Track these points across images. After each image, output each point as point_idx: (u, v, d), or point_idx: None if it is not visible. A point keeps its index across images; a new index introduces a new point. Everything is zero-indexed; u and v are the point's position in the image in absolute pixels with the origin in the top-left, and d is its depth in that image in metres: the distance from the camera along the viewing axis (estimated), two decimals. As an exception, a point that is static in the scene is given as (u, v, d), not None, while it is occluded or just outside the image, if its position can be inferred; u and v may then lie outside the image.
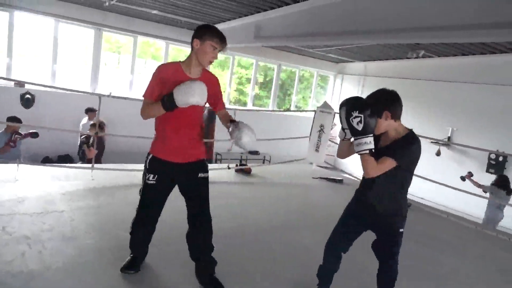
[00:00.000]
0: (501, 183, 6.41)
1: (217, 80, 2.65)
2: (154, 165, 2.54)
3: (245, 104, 12.07)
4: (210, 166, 3.18)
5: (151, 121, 2.62)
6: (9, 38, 8.11)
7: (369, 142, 2.15)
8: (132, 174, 5.13)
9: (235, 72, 11.74)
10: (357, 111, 2.14)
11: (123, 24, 8.93)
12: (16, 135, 5.07)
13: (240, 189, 5.36)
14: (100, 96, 4.86)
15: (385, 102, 2.29)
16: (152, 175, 2.53)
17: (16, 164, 4.49)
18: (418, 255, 3.80)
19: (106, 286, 2.58)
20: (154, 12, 8.08)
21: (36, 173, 4.69)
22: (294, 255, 3.45)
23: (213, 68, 11.06)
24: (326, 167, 7.79)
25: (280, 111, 12.50)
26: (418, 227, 4.69)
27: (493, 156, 8.88)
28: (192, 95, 2.24)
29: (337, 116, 6.91)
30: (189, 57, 2.51)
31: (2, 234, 3.02)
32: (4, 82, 7.89)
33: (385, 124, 2.29)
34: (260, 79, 12.56)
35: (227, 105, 11.64)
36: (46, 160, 8.00)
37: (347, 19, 6.20)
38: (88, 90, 8.92)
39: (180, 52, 10.81)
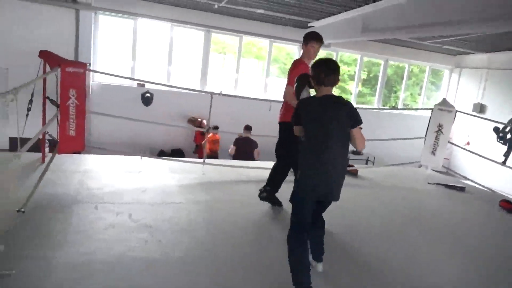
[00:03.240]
0: None
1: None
2: None
3: (347, 102, 11.59)
4: None
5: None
6: (133, 43, 9.03)
7: None
8: (240, 170, 5.23)
9: (338, 69, 11.34)
10: None
11: (230, 24, 9.27)
12: None
13: (347, 191, 5.07)
14: (211, 94, 5.05)
15: None
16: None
17: (139, 157, 4.92)
18: None
19: (222, 281, 2.61)
20: (260, 11, 8.19)
21: (155, 166, 5.08)
22: (408, 267, 3.10)
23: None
24: (443, 172, 7.01)
25: (387, 109, 11.73)
26: None
27: None
28: None
29: (458, 114, 6.18)
30: (303, 55, 3.86)
31: (129, 221, 3.29)
32: (129, 82, 8.81)
33: None
34: (364, 75, 11.94)
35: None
36: (161, 153, 8.72)
37: (471, 4, 5.45)
38: (198, 89, 9.48)
39: (281, 50, 10.84)
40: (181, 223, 3.39)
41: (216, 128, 8.03)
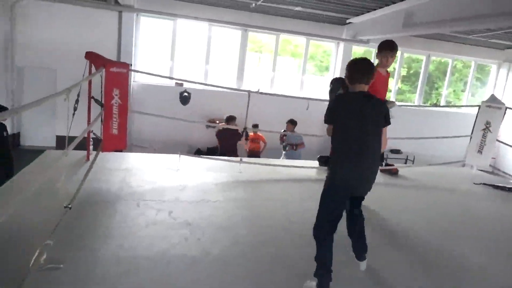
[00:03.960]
0: None
1: (389, 74, 3.90)
2: None
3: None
4: None
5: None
6: (172, 43, 9.24)
7: None
8: (278, 169, 5.22)
9: (377, 66, 11.03)
10: None
11: (267, 23, 9.27)
12: None
13: (387, 191, 4.94)
14: (249, 92, 5.06)
15: None
16: None
17: (178, 155, 5.02)
18: None
19: (262, 281, 2.60)
20: (297, 8, 8.12)
21: (193, 164, 5.17)
22: (452, 270, 2.95)
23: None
24: (489, 172, 6.64)
25: (429, 106, 11.28)
26: None
27: None
28: None
29: (508, 111, 5.82)
30: (377, 64, 3.63)
31: (169, 218, 3.36)
32: (167, 82, 9.03)
33: None
34: (403, 72, 11.54)
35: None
36: (198, 152, 8.87)
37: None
38: (235, 87, 9.56)
39: (318, 47, 10.69)
40: (220, 221, 3.42)
41: (256, 126, 7.98)
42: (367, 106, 2.49)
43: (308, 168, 5.51)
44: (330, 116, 2.59)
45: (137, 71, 8.25)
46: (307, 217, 3.67)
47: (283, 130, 8.00)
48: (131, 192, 3.88)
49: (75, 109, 5.03)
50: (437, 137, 6.17)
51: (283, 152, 8.09)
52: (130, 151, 5.60)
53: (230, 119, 7.67)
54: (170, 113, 6.91)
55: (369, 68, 2.56)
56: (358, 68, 2.56)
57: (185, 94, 8.96)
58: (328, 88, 3.53)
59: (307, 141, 8.31)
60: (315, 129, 9.80)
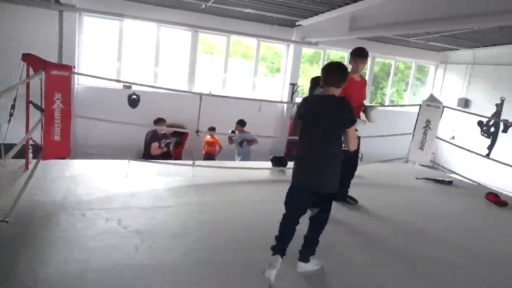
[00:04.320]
0: None
1: (366, 81, 4.26)
2: None
3: (335, 99, 11.65)
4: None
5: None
6: (119, 44, 8.90)
7: None
8: (231, 171, 5.20)
9: (325, 67, 11.37)
10: None
11: (218, 24, 9.20)
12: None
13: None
14: (201, 95, 4.99)
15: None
16: None
17: (127, 161, 4.83)
18: None
19: (217, 287, 2.57)
20: (247, 10, 8.15)
21: (143, 169, 5.00)
22: (410, 261, 3.11)
23: (302, 64, 10.86)
24: (429, 167, 7.09)
25: (375, 106, 11.79)
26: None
27: None
28: None
29: (445, 110, 6.24)
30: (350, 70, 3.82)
31: (118, 227, 3.22)
32: (114, 84, 8.68)
33: None
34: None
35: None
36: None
37: (455, 1, 5.51)
38: (186, 89, 9.39)
39: (269, 49, 10.81)
40: (172, 227, 3.33)
41: (212, 129, 7.90)
42: (326, 109, 2.64)
43: (262, 170, 5.54)
44: (296, 116, 2.71)
45: (81, 74, 7.84)
46: (262, 219, 3.70)
47: (230, 131, 8.01)
48: (76, 201, 3.67)
49: (11, 115, 4.66)
50: (382, 136, 6.45)
51: (237, 149, 8.08)
52: (75, 158, 5.30)
53: (158, 121, 7.46)
54: (119, 117, 6.64)
55: (339, 73, 2.67)
56: (329, 72, 2.68)
57: (134, 96, 8.67)
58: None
59: (260, 142, 8.37)
60: (268, 130, 9.95)
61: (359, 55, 3.89)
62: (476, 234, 3.96)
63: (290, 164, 5.90)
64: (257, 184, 4.95)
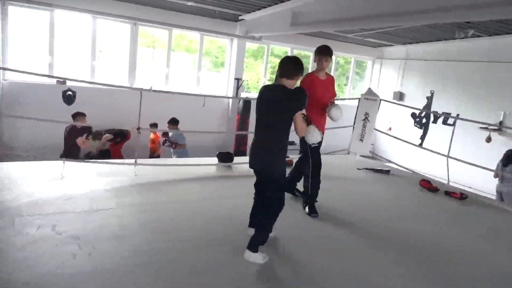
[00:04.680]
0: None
1: (333, 78, 4.20)
2: None
3: (280, 94, 11.81)
4: (247, 159, 3.12)
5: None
6: (50, 36, 8.27)
7: None
8: (176, 169, 5.06)
9: (269, 62, 11.48)
10: None
11: (159, 17, 8.87)
12: None
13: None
14: (141, 90, 4.79)
15: None
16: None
17: (62, 161, 4.52)
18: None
19: (160, 289, 2.48)
20: (190, 3, 7.95)
21: (80, 170, 4.71)
22: (353, 250, 3.23)
23: (246, 59, 10.87)
24: (369, 157, 7.44)
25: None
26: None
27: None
28: None
29: (381, 103, 6.58)
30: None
31: (53, 234, 3.00)
32: (47, 80, 8.07)
33: None
34: (295, 67, 12.22)
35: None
36: (88, 156, 8.13)
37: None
38: (126, 85, 8.99)
39: (213, 43, 10.68)
40: (114, 230, 3.16)
41: (154, 125, 7.55)
42: (272, 97, 2.83)
43: (208, 166, 5.47)
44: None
45: (7, 69, 7.19)
46: (209, 217, 3.65)
47: (162, 134, 7.80)
48: (3, 208, 3.36)
49: None
50: (326, 129, 6.64)
51: (171, 150, 7.90)
52: (2, 161, 4.85)
53: (77, 115, 6.70)
54: (53, 115, 6.18)
55: (291, 65, 2.84)
56: (282, 64, 2.87)
57: (69, 93, 8.12)
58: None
59: (205, 138, 8.28)
60: (213, 125, 9.85)
61: (323, 53, 3.86)
62: (412, 219, 4.23)
63: (237, 159, 5.93)
64: (202, 181, 4.88)
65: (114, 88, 7.57)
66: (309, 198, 3.99)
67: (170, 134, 7.77)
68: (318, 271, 2.89)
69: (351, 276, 2.86)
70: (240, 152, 9.55)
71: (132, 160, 4.93)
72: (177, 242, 3.07)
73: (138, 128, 4.73)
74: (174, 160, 6.75)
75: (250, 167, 2.97)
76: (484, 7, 4.64)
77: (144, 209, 3.71)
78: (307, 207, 3.98)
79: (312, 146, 3.82)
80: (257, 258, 2.83)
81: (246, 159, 6.51)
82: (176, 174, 4.93)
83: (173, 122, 7.82)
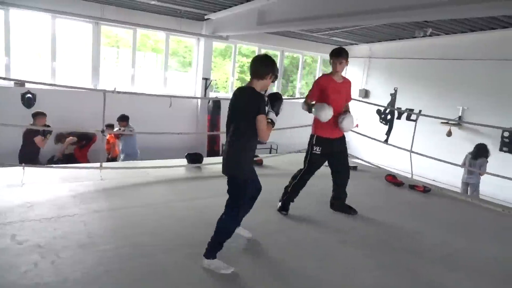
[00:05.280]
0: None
1: (350, 82, 4.12)
2: (319, 140, 3.89)
3: (249, 93, 11.82)
4: (219, 159, 3.07)
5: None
6: (6, 36, 7.87)
7: None
8: (145, 171, 4.96)
9: (237, 61, 11.47)
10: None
11: (122, 16, 8.64)
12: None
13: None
14: (104, 92, 4.65)
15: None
16: (318, 148, 3.88)
17: (22, 167, 4.32)
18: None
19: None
20: (153, 2, 7.81)
21: (42, 176, 4.52)
22: (322, 251, 3.29)
23: (214, 58, 10.81)
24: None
25: (285, 99, 12.25)
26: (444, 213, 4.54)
27: (506, 134, 8.67)
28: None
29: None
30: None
31: (12, 243, 2.86)
32: (3, 82, 7.69)
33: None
34: (263, 66, 12.28)
35: (230, 94, 11.37)
36: (52, 161, 7.82)
37: (351, -1, 5.98)
38: (90, 86, 8.70)
39: (180, 43, 10.54)
40: (79, 238, 3.06)
41: (110, 126, 7.09)
42: (238, 99, 2.81)
43: (177, 167, 5.40)
44: None
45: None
46: (178, 220, 3.60)
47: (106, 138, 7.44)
48: (-43, 219, 3.17)
49: None
50: (293, 127, 6.74)
51: (120, 151, 7.55)
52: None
53: (37, 114, 6.40)
54: (10, 119, 5.90)
55: (258, 64, 2.81)
56: (251, 64, 2.83)
57: (29, 95, 7.77)
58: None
59: (174, 139, 8.13)
60: (182, 126, 9.71)
61: (335, 55, 3.81)
62: (378, 212, 4.35)
63: (207, 160, 5.89)
64: (171, 183, 4.81)
65: (76, 90, 7.30)
66: (286, 196, 4.03)
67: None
68: (287, 268, 2.91)
69: (319, 270, 2.91)
70: (213, 152, 9.49)
71: (98, 164, 4.78)
72: (146, 247, 3.02)
73: (103, 131, 4.59)
74: (144, 162, 6.59)
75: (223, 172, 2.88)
76: (440, 6, 4.85)
77: (111, 214, 3.61)
78: (280, 203, 4.03)
79: (314, 153, 3.91)
80: (213, 264, 2.72)
81: (216, 159, 6.51)
82: (144, 177, 4.84)
83: (121, 119, 7.42)
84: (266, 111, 2.75)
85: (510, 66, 8.57)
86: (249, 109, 2.70)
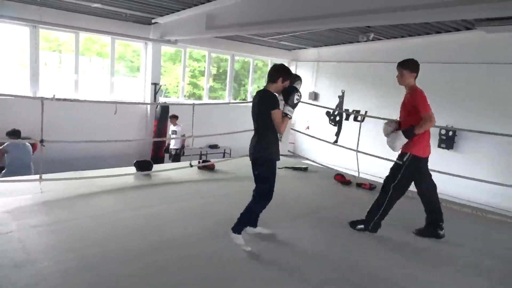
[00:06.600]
0: None
1: (409, 96, 3.69)
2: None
3: (200, 97, 11.74)
4: (169, 165, 3.04)
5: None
6: None
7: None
8: (89, 182, 4.74)
9: (187, 65, 11.34)
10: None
11: (62, 20, 8.21)
12: None
13: (206, 187, 5.15)
14: (42, 99, 4.39)
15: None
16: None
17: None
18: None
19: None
20: (96, 5, 7.51)
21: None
22: (273, 250, 3.32)
23: (163, 62, 10.61)
24: (289, 156, 7.75)
25: (237, 102, 12.29)
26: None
27: (443, 131, 9.31)
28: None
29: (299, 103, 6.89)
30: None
31: None
32: None
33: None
34: (214, 71, 12.25)
35: (181, 99, 11.10)
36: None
37: (298, 5, 6.12)
38: (28, 93, 8.18)
39: (127, 47, 10.22)
40: (14, 256, 2.84)
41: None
42: (254, 100, 3.34)
43: (125, 176, 5.21)
44: None
45: None
46: (127, 230, 3.47)
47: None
48: None
49: None
50: (246, 130, 6.76)
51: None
52: None
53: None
54: None
55: (269, 71, 3.29)
56: (269, 70, 3.32)
57: (-41, 104, 7.14)
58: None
59: (123, 146, 7.86)
60: (131, 133, 9.40)
61: (399, 66, 3.62)
62: (328, 210, 4.48)
63: (156, 167, 5.74)
64: (120, 192, 4.63)
65: (11, 97, 6.82)
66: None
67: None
68: (238, 269, 2.92)
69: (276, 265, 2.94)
70: (158, 159, 9.26)
71: (37, 176, 4.49)
72: (91, 259, 2.88)
73: (42, 141, 4.33)
74: (88, 172, 6.28)
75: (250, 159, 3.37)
76: (381, 12, 5.12)
77: (52, 229, 3.40)
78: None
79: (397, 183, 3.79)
80: (238, 239, 3.22)
81: (166, 166, 6.36)
82: (90, 187, 4.62)
83: (11, 134, 5.94)
84: (283, 106, 3.16)
85: (445, 68, 9.24)
86: (264, 107, 3.18)
